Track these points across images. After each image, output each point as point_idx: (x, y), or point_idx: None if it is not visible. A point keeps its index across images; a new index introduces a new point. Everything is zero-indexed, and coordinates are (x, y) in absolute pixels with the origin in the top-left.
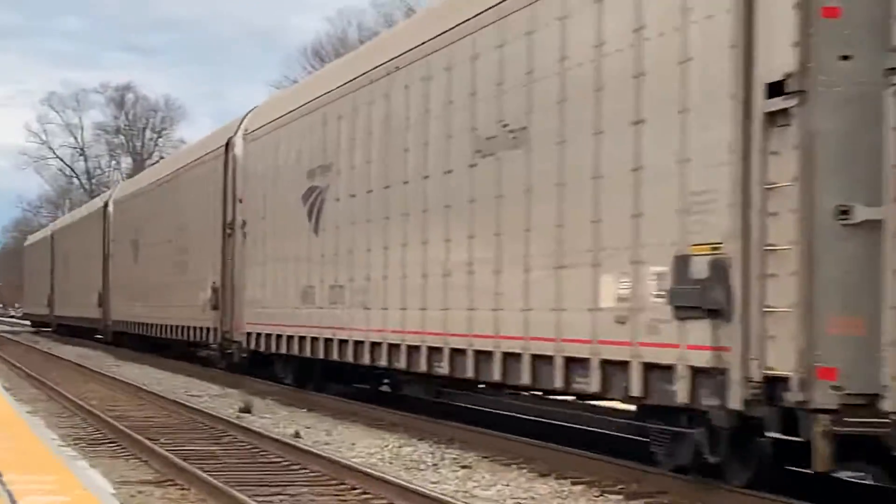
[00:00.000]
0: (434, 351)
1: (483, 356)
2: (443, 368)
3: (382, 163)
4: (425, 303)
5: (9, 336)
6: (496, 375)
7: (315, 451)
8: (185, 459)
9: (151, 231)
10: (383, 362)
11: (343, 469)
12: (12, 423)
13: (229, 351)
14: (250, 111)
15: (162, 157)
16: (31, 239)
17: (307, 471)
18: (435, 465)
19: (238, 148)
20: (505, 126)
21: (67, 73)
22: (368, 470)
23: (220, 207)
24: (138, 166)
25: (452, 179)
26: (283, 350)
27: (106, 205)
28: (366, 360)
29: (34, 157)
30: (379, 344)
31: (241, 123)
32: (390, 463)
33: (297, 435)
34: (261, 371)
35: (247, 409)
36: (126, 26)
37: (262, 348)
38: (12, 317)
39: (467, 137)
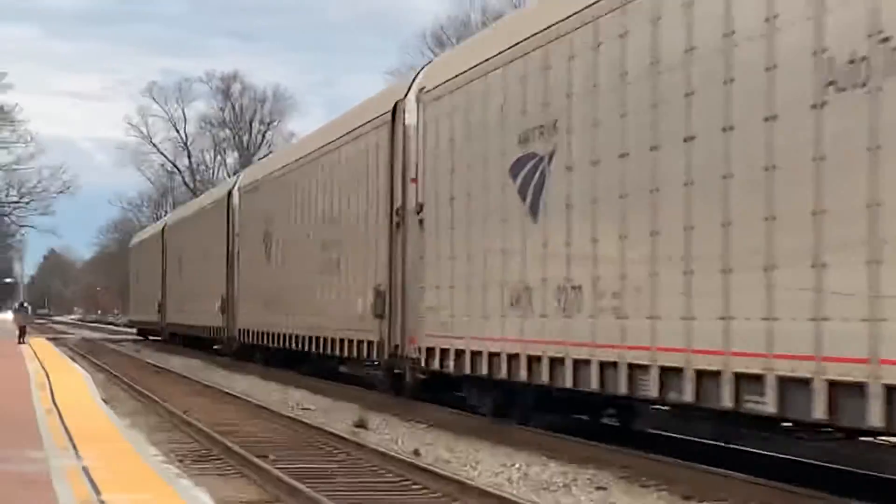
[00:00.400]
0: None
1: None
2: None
3: (646, 114)
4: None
5: (110, 345)
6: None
7: (436, 469)
8: (297, 479)
9: (289, 223)
10: (623, 389)
11: (467, 489)
12: (111, 437)
13: (398, 371)
14: (425, 65)
15: (270, 152)
16: (138, 237)
17: (427, 490)
18: (567, 486)
19: (410, 113)
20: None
21: (167, 61)
22: (495, 491)
23: (387, 190)
24: (245, 161)
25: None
26: (482, 371)
27: (229, 194)
28: (595, 385)
29: (134, 152)
30: (614, 364)
31: (412, 81)
32: (518, 483)
33: (416, 452)
34: (440, 396)
35: (362, 424)
36: (230, 10)
37: (449, 368)
38: (110, 323)
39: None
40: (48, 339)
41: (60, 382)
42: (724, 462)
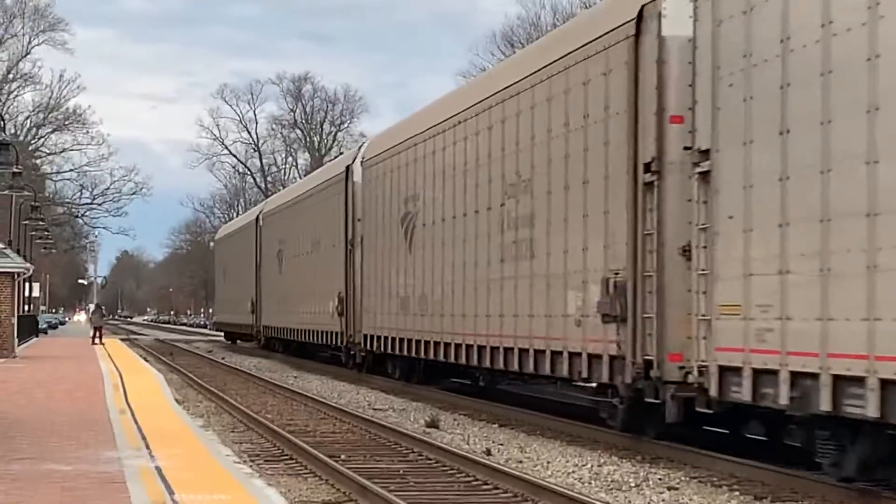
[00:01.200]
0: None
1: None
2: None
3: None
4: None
5: (183, 346)
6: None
7: (508, 469)
8: (368, 478)
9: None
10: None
11: (539, 489)
12: (184, 438)
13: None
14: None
15: (341, 153)
16: (225, 230)
17: (499, 491)
18: (638, 485)
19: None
20: None
21: (239, 63)
22: (566, 491)
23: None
24: (316, 163)
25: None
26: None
27: (348, 170)
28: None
29: (205, 153)
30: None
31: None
32: (590, 483)
33: (488, 452)
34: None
35: (434, 424)
36: (302, 11)
37: (377, 349)
38: (183, 324)
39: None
40: (121, 339)
41: (133, 383)
42: (793, 462)
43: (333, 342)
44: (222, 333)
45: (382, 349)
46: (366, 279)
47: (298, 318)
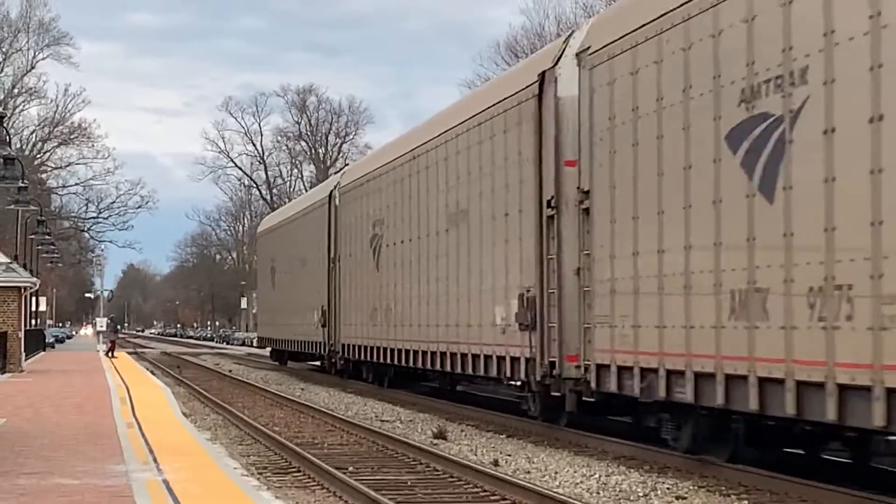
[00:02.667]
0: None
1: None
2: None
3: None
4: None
5: (190, 359)
6: None
7: (516, 480)
8: (376, 490)
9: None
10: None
11: (547, 500)
12: (191, 451)
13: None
14: (344, 168)
15: (347, 164)
16: (273, 219)
17: (507, 502)
18: (646, 495)
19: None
20: None
21: (247, 76)
22: (575, 501)
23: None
24: (322, 174)
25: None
26: (367, 358)
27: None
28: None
29: (211, 166)
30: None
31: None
32: (598, 493)
33: (495, 463)
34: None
35: (441, 435)
36: (308, 24)
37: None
38: (190, 337)
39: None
40: (128, 353)
41: (141, 396)
42: (801, 471)
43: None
44: (268, 351)
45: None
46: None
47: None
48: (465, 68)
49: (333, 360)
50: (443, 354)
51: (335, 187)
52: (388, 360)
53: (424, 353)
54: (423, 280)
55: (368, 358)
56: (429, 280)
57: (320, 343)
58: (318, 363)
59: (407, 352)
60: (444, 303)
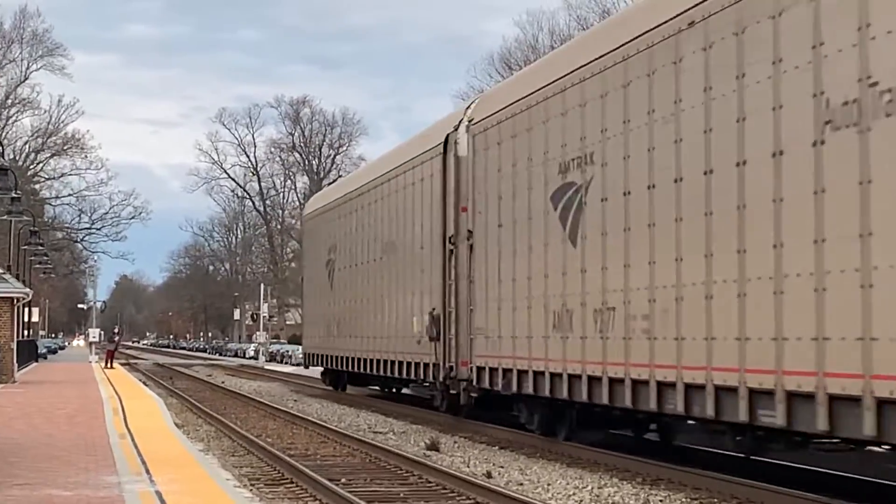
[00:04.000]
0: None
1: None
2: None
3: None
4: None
5: (183, 370)
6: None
7: (509, 492)
8: (369, 502)
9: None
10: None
11: None
12: (184, 462)
13: (454, 391)
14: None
15: (340, 176)
16: (327, 197)
17: None
18: None
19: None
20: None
21: (244, 87)
22: None
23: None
24: (315, 186)
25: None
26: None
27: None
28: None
29: (204, 177)
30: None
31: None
32: None
33: (489, 475)
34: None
35: (434, 447)
36: (307, 37)
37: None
38: (183, 348)
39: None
40: (121, 364)
41: (133, 407)
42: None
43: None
44: (306, 369)
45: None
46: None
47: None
48: (460, 80)
49: (454, 390)
50: (385, 362)
51: (458, 128)
52: (344, 367)
53: (374, 360)
54: (368, 297)
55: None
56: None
57: (425, 365)
58: (386, 389)
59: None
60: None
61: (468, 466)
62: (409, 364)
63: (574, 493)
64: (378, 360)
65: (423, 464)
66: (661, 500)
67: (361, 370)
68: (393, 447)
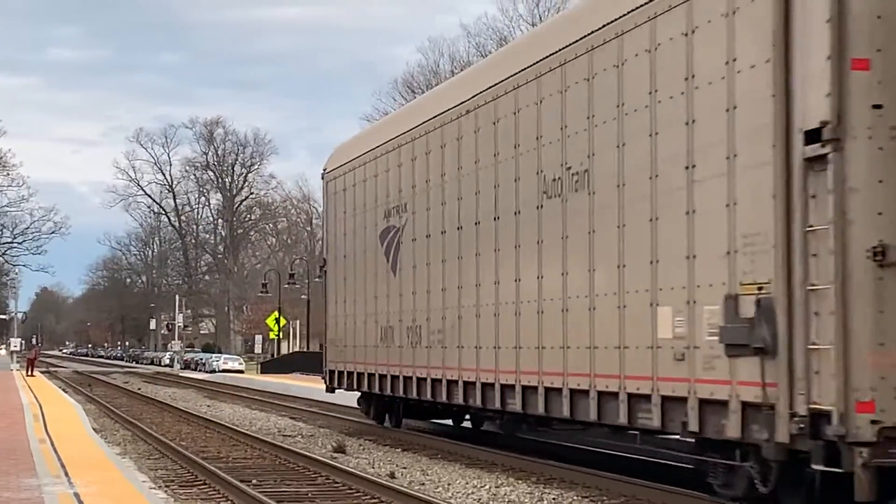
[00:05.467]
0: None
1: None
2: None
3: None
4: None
5: (101, 377)
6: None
7: (411, 491)
8: (278, 502)
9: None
10: (459, 400)
11: None
12: (102, 465)
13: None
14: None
15: (252, 194)
16: (369, 140)
17: None
18: None
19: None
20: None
21: (161, 108)
22: None
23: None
24: (228, 202)
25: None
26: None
27: None
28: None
29: (122, 194)
30: (455, 382)
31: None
32: (488, 503)
33: (392, 475)
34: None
35: (341, 450)
36: (224, 60)
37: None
38: (101, 356)
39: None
40: (41, 372)
41: (53, 413)
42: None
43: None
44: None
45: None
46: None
47: None
48: (367, 103)
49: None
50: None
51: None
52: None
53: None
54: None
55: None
56: None
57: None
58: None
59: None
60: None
61: (373, 468)
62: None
63: (473, 492)
64: (526, 387)
65: (331, 465)
66: (553, 499)
67: (463, 401)
68: (301, 450)
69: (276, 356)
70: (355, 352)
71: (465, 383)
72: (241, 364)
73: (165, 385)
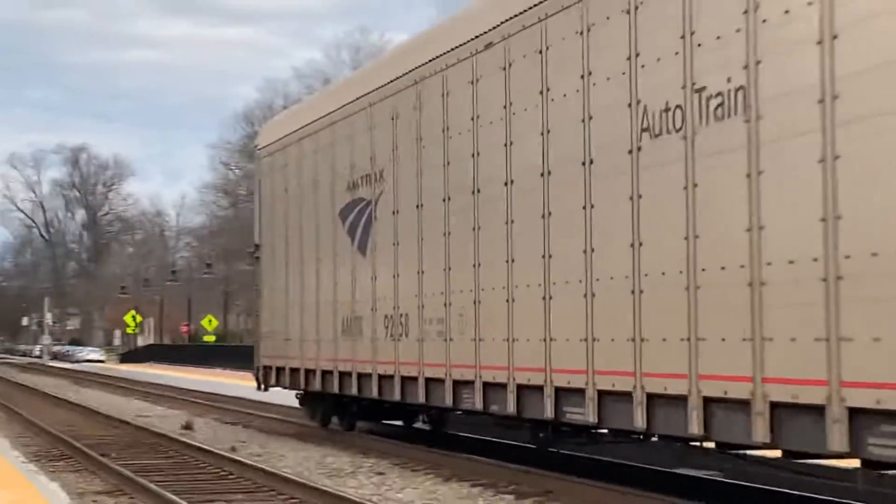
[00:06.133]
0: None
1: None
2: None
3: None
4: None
5: None
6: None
7: (250, 462)
8: (134, 472)
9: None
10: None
11: (274, 477)
12: None
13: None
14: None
15: (113, 210)
16: (319, 107)
17: (243, 479)
18: (353, 472)
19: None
20: None
21: (33, 136)
22: (296, 477)
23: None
24: (91, 216)
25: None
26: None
27: None
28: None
29: None
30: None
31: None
32: (315, 471)
33: (233, 449)
34: None
35: (189, 427)
36: (91, 96)
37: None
38: None
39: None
40: None
41: None
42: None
43: None
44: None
45: None
46: None
47: None
48: (211, 131)
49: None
50: None
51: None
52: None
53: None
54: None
55: None
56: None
57: None
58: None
59: None
60: None
61: (219, 443)
62: None
63: (303, 462)
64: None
65: (179, 440)
66: (370, 466)
67: (483, 406)
68: (155, 427)
69: (133, 349)
70: (302, 346)
71: (488, 385)
72: (102, 355)
73: (36, 374)
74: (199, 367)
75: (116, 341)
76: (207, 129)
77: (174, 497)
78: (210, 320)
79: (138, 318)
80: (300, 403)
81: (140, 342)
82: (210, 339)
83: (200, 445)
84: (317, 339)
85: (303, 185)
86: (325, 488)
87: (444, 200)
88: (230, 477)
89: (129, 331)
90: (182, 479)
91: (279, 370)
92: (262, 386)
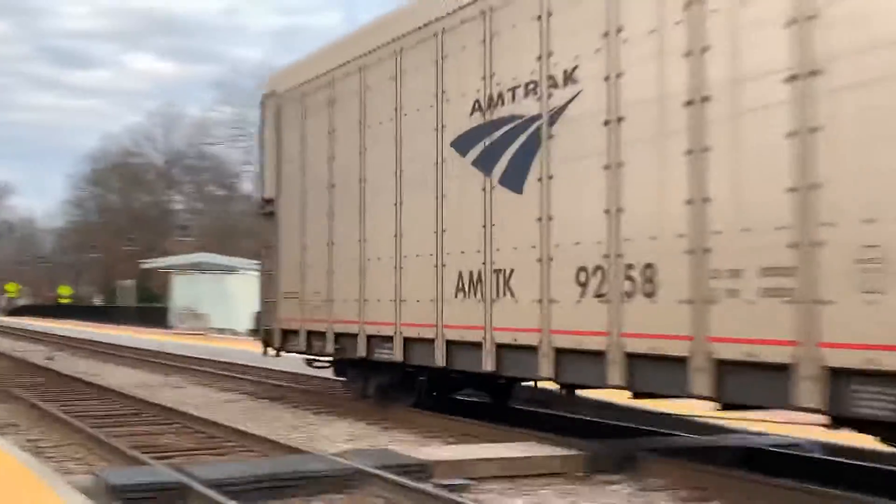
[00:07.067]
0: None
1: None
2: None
3: None
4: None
5: None
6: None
7: (93, 381)
8: (14, 387)
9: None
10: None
11: (105, 390)
12: None
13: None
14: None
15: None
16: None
17: (89, 389)
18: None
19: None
20: None
21: None
22: (118, 389)
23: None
24: None
25: None
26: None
27: None
28: None
29: None
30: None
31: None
32: (136, 387)
33: (85, 372)
34: None
35: (51, 358)
36: None
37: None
38: None
39: None
40: None
41: None
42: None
43: None
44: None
45: None
46: None
47: None
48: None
49: None
50: None
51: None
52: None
53: None
54: None
55: None
56: None
57: None
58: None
59: None
60: None
61: (77, 368)
62: None
63: (127, 379)
64: None
65: (42, 367)
66: (229, 399)
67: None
68: (27, 358)
69: (16, 307)
70: (345, 308)
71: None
72: None
73: None
74: (58, 319)
75: (3, 303)
76: (68, 164)
77: (38, 401)
78: (67, 289)
79: (19, 287)
80: (338, 374)
81: (21, 303)
82: (67, 300)
83: (63, 372)
84: (394, 300)
85: (367, 121)
86: (139, 396)
87: None
88: (81, 389)
89: (10, 296)
90: (49, 392)
91: (309, 334)
92: (276, 351)
